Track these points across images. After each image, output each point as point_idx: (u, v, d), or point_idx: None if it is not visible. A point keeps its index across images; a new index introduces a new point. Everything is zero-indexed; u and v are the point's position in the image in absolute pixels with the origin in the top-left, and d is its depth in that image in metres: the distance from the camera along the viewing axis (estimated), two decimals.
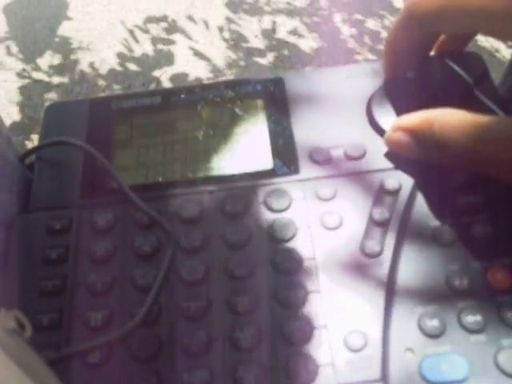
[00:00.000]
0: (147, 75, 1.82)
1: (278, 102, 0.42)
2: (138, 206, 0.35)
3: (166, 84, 1.79)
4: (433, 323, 0.31)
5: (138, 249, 0.35)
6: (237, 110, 0.42)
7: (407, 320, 0.32)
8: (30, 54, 1.93)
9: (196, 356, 0.32)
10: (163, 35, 1.96)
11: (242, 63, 1.85)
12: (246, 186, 0.38)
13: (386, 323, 0.32)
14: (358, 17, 1.98)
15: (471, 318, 0.31)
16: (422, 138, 0.34)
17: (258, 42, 1.92)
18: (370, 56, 1.84)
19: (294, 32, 1.95)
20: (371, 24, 1.97)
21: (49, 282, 0.34)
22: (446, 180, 0.36)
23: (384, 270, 0.34)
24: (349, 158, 0.38)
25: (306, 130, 0.40)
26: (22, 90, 1.81)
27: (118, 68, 1.85)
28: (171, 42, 1.92)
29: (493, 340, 0.31)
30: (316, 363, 0.31)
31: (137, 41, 1.94)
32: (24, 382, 0.22)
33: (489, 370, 0.30)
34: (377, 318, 0.32)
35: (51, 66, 1.89)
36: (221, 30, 1.99)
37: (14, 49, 1.95)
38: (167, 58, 1.86)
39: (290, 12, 2.03)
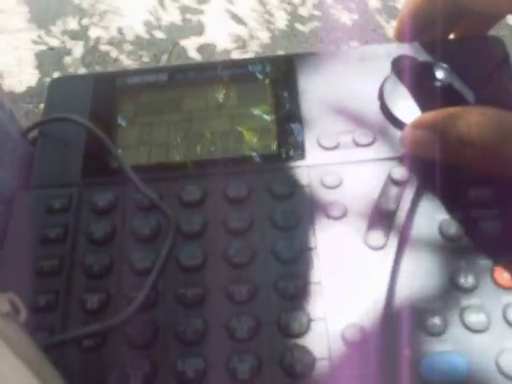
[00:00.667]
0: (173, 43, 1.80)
1: (286, 83, 0.40)
2: (139, 188, 0.34)
3: (193, 54, 1.76)
4: (434, 321, 0.30)
5: (138, 231, 0.34)
6: (244, 90, 0.40)
7: (408, 316, 0.31)
8: (42, 21, 1.90)
9: (191, 344, 0.31)
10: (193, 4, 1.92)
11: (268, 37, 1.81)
12: (249, 170, 0.36)
13: (385, 318, 0.31)
14: None
15: (474, 318, 0.30)
16: (445, 135, 0.32)
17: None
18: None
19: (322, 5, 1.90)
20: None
21: (46, 262, 0.34)
22: (456, 172, 0.35)
23: (387, 263, 0.32)
24: (357, 144, 0.37)
25: (315, 114, 0.38)
26: (37, 56, 1.78)
27: (145, 35, 1.82)
28: (200, 12, 1.88)
29: (496, 341, 0.30)
30: (313, 356, 0.30)
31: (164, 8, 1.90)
32: (17, 365, 0.22)
33: (489, 371, 0.29)
34: (377, 312, 0.31)
35: (65, 32, 1.86)
36: None
37: (27, 15, 1.92)
38: (195, 27, 1.82)
39: None
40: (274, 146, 0.37)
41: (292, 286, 0.32)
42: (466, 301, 0.31)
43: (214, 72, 0.41)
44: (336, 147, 0.37)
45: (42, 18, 1.92)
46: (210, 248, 0.34)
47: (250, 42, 1.77)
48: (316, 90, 0.40)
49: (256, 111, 0.39)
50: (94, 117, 0.39)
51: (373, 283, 0.32)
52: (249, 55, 1.71)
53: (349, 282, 0.32)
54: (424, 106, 0.37)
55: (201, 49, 1.76)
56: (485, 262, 0.32)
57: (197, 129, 0.39)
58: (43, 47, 1.82)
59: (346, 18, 1.83)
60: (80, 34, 1.86)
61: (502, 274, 0.31)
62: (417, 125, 0.34)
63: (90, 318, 0.32)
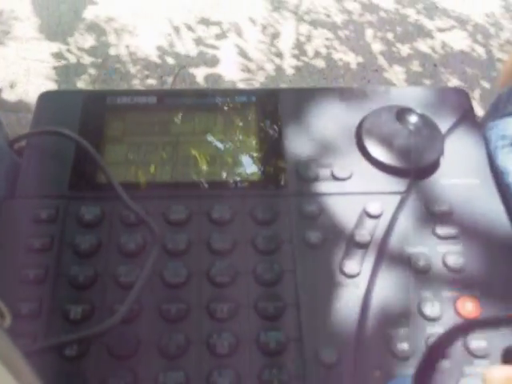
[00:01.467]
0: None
1: (271, 115, 0.41)
2: (126, 204, 0.34)
3: (200, 80, 1.76)
4: (402, 346, 0.32)
5: (123, 246, 0.34)
6: (230, 119, 0.41)
7: (378, 340, 0.32)
8: (52, 35, 1.88)
9: (172, 358, 0.31)
10: (207, 36, 1.94)
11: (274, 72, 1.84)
12: (233, 195, 0.37)
13: (357, 341, 0.32)
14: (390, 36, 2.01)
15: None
16: None
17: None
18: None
19: (328, 45, 1.95)
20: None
21: (31, 271, 0.33)
22: (425, 209, 0.37)
23: (360, 290, 0.34)
24: (335, 178, 0.38)
25: (296, 146, 0.40)
26: (45, 68, 1.75)
27: (156, 59, 1.83)
28: (215, 46, 1.90)
29: (456, 367, 0.31)
30: (289, 374, 0.31)
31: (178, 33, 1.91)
32: (0, 371, 0.22)
33: None
34: (350, 335, 0.32)
35: (76, 45, 1.83)
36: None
37: (37, 29, 1.89)
38: (208, 59, 1.84)
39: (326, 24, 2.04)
40: (258, 174, 0.38)
41: (271, 307, 0.33)
42: (431, 329, 0.32)
43: (202, 99, 0.42)
44: (315, 179, 0.38)
45: (53, 31, 1.89)
46: (193, 266, 0.34)
47: (256, 73, 1.80)
48: (298, 123, 0.41)
49: (241, 139, 0.40)
50: (83, 132, 0.39)
51: (347, 308, 0.33)
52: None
53: (325, 306, 0.33)
54: (396, 147, 0.39)
55: (208, 77, 1.78)
56: (449, 294, 0.34)
57: (184, 152, 0.39)
58: (53, 59, 1.79)
59: (350, 58, 1.89)
60: (90, 50, 1.84)
61: (464, 305, 0.33)
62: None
63: (73, 328, 0.32)
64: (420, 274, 0.34)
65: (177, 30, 1.93)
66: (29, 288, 0.33)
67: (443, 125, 0.41)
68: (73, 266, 0.34)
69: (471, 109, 0.42)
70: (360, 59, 1.86)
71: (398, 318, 0.33)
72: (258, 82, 1.77)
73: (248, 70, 1.81)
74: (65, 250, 0.34)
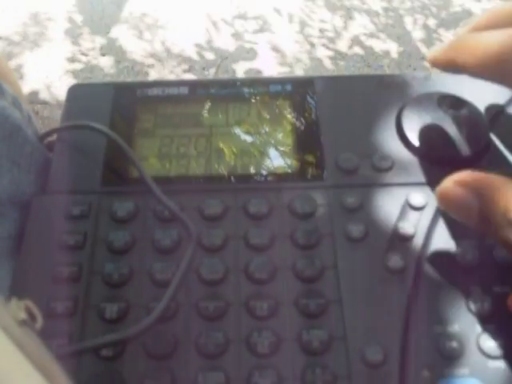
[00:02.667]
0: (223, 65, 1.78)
1: (307, 105, 0.39)
2: (160, 200, 0.33)
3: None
4: (451, 344, 0.29)
5: (158, 243, 0.33)
6: (264, 109, 0.39)
7: (426, 339, 0.30)
8: (95, 28, 1.86)
9: (211, 357, 0.29)
10: (245, 31, 1.91)
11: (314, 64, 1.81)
12: (270, 188, 0.35)
13: (404, 340, 0.29)
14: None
15: (490, 343, 0.29)
16: (490, 206, 0.26)
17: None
18: None
19: (366, 34, 1.90)
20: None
21: (64, 269, 0.32)
22: None
23: (406, 285, 0.31)
24: (376, 168, 0.36)
25: (335, 136, 0.37)
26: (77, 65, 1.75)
27: (194, 56, 1.81)
28: (253, 41, 1.88)
29: (511, 368, 0.29)
30: (333, 374, 0.28)
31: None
32: (32, 374, 0.20)
33: None
34: (396, 334, 0.30)
35: (109, 41, 1.83)
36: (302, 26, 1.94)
37: (80, 22, 1.87)
38: (246, 53, 1.82)
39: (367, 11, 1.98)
40: (295, 166, 0.36)
41: (313, 304, 0.30)
42: (482, 326, 0.30)
43: (235, 89, 0.40)
44: (355, 170, 0.36)
45: (96, 24, 1.89)
46: (230, 262, 0.32)
47: (294, 66, 1.77)
48: (336, 112, 0.39)
49: (277, 130, 0.38)
50: (114, 125, 0.37)
51: (392, 304, 0.31)
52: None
53: (369, 303, 0.31)
54: (439, 135, 0.36)
55: (247, 72, 1.75)
56: (500, 289, 0.31)
57: (217, 144, 0.37)
58: (84, 56, 1.79)
59: (391, 46, 1.83)
60: (117, 47, 1.83)
61: None
62: (459, 182, 0.28)
63: (109, 327, 0.30)
64: (468, 267, 0.32)
65: (215, 24, 1.90)
66: (63, 286, 0.31)
67: (488, 112, 0.38)
68: (107, 264, 0.32)
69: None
70: (401, 48, 1.81)
71: (446, 314, 0.30)
72: (297, 74, 1.73)
73: (286, 64, 1.77)
74: (98, 246, 0.33)
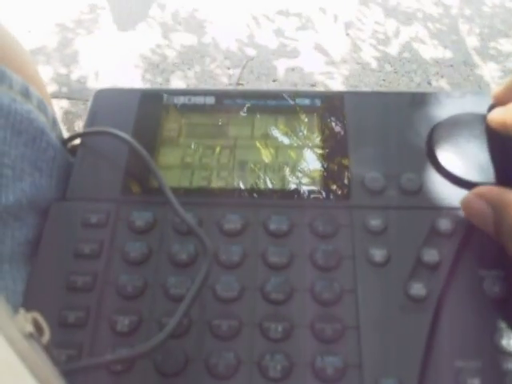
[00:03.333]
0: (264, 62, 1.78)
1: (335, 120, 0.38)
2: (177, 213, 0.32)
3: (283, 76, 1.74)
4: (473, 382, 0.27)
5: (174, 256, 0.32)
6: (291, 123, 0.38)
7: (446, 373, 0.28)
8: (122, 25, 1.88)
9: (221, 378, 0.28)
10: (287, 28, 1.90)
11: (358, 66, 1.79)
12: (292, 205, 0.34)
13: (422, 373, 0.28)
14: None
15: None
16: (502, 221, 0.30)
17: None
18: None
19: (416, 39, 1.87)
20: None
21: (79, 278, 0.31)
22: None
23: (427, 315, 0.30)
24: (403, 191, 0.34)
25: (362, 155, 0.36)
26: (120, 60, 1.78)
27: (235, 50, 1.81)
28: (294, 39, 1.87)
29: None
30: None
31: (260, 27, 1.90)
32: None
33: None
34: (414, 365, 0.28)
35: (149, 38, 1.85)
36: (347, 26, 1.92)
37: (109, 18, 1.90)
38: (288, 50, 1.81)
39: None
40: (319, 183, 0.35)
41: (329, 329, 0.29)
42: (507, 364, 0.28)
43: (262, 101, 0.39)
44: (381, 191, 0.34)
45: (124, 21, 1.91)
46: (247, 281, 0.31)
47: (339, 66, 1.75)
48: (365, 129, 0.37)
49: (302, 145, 0.37)
50: (137, 133, 0.37)
51: (412, 334, 0.29)
52: (334, 82, 1.70)
53: (387, 331, 0.30)
54: (471, 158, 0.35)
55: (288, 70, 1.74)
56: None
57: (241, 157, 0.36)
58: (129, 52, 1.81)
59: (441, 52, 1.81)
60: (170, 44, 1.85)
61: None
62: (480, 195, 0.31)
63: (119, 340, 0.29)
64: (495, 300, 0.30)
65: (256, 20, 1.89)
66: (76, 296, 0.31)
67: None
68: (121, 275, 0.31)
69: None
70: (451, 54, 1.78)
71: (469, 349, 0.29)
72: (340, 74, 1.71)
73: (331, 63, 1.75)
74: (114, 256, 0.32)
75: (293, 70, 1.73)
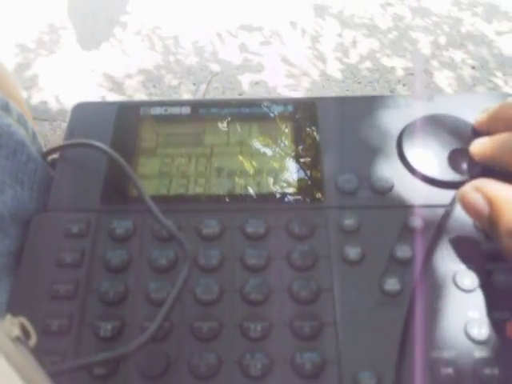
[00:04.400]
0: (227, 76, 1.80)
1: (308, 125, 0.39)
2: (157, 218, 0.33)
3: (248, 89, 1.76)
4: (447, 371, 0.29)
5: (155, 262, 0.33)
6: (266, 130, 0.39)
7: (421, 364, 0.29)
8: (86, 44, 1.89)
9: (204, 378, 0.29)
10: (251, 43, 1.93)
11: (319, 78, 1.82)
12: (268, 208, 0.35)
13: (399, 365, 0.29)
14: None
15: (488, 371, 0.29)
16: (497, 219, 0.29)
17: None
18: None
19: (374, 50, 1.91)
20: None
21: (61, 286, 0.32)
22: (472, 223, 0.34)
23: (402, 309, 0.31)
24: (375, 191, 0.36)
25: (335, 157, 0.37)
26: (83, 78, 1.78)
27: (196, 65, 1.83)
28: (259, 54, 1.89)
29: None
30: None
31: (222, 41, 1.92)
32: None
33: None
34: (391, 358, 0.29)
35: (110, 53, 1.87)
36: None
37: (72, 38, 1.91)
38: (252, 66, 1.84)
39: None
40: (294, 186, 0.36)
41: (307, 326, 0.30)
42: (479, 353, 0.29)
43: (236, 109, 0.40)
44: (354, 192, 0.36)
45: (87, 40, 1.92)
46: (226, 283, 0.32)
47: (301, 79, 1.78)
48: (337, 133, 0.39)
49: (277, 151, 0.38)
50: (116, 144, 0.38)
51: (387, 329, 0.31)
52: (298, 94, 1.73)
53: (364, 326, 0.31)
54: (440, 157, 0.36)
55: (252, 83, 1.77)
56: (498, 316, 0.30)
57: (217, 164, 0.38)
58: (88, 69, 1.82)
59: (397, 62, 1.84)
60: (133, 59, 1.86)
61: None
62: (478, 188, 0.31)
63: (103, 346, 0.30)
64: (466, 293, 0.31)
65: (220, 36, 1.92)
66: (59, 304, 0.32)
67: None
68: (103, 282, 0.32)
69: None
70: (408, 64, 1.82)
71: (443, 340, 0.30)
72: (303, 87, 1.74)
73: (292, 76, 1.78)
74: (95, 264, 0.33)
75: (257, 83, 1.76)
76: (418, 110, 0.40)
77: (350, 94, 1.72)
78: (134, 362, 0.30)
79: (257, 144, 0.39)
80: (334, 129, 0.39)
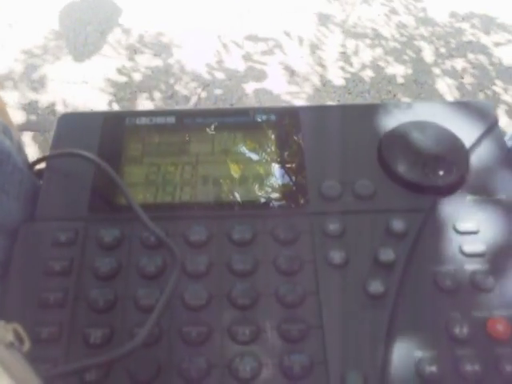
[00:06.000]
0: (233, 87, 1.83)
1: (291, 133, 0.41)
2: (147, 226, 0.34)
3: (251, 98, 1.78)
4: (431, 369, 0.30)
5: (143, 269, 0.34)
6: (249, 138, 0.41)
7: (406, 363, 0.31)
8: (79, 55, 1.91)
9: (194, 382, 0.30)
10: (256, 53, 1.97)
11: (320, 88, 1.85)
12: (254, 215, 0.36)
13: (385, 365, 0.30)
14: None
15: (470, 367, 0.30)
16: None
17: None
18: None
19: (376, 57, 1.95)
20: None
21: (50, 295, 0.33)
22: (451, 226, 0.36)
23: (386, 311, 0.32)
24: (358, 196, 0.37)
25: (318, 164, 0.39)
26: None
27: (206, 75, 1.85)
28: (263, 63, 1.93)
29: None
30: None
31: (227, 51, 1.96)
32: None
33: None
34: (376, 358, 0.31)
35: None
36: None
37: (64, 50, 1.93)
38: (256, 74, 1.87)
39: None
40: (279, 193, 0.38)
41: (294, 329, 0.32)
42: (461, 351, 0.31)
43: (220, 118, 0.42)
44: (338, 197, 0.37)
45: (79, 51, 1.94)
46: (214, 288, 0.33)
47: (303, 85, 1.82)
48: (319, 141, 0.40)
49: (262, 158, 0.39)
50: (102, 154, 0.39)
51: (372, 329, 0.32)
52: (300, 102, 1.76)
53: (350, 328, 0.32)
54: (419, 163, 0.38)
55: (257, 91, 1.80)
56: (479, 314, 0.32)
57: (203, 172, 0.39)
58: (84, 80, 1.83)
59: (400, 70, 1.90)
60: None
61: (495, 327, 0.32)
62: None
63: (93, 352, 0.31)
64: (447, 293, 0.33)
65: (225, 46, 1.96)
66: (48, 312, 0.32)
67: (468, 139, 0.39)
68: (92, 290, 0.33)
69: (496, 122, 0.41)
70: (410, 71, 1.87)
71: (426, 339, 0.31)
72: (306, 94, 1.78)
73: (295, 83, 1.82)
74: (84, 272, 0.34)
75: (260, 91, 1.79)
76: (398, 117, 0.41)
77: (350, 101, 1.76)
78: (124, 367, 0.30)
79: (241, 152, 0.40)
80: (317, 136, 0.40)
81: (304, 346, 0.31)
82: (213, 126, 0.41)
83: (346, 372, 0.30)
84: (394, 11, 2.20)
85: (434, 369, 0.30)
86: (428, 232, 0.35)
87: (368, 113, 0.42)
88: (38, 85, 1.77)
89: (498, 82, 1.86)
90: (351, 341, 0.32)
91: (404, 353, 0.31)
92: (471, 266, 0.34)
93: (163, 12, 2.10)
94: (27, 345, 0.24)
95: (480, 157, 0.39)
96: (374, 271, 0.34)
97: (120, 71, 1.84)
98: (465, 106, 0.42)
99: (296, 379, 0.30)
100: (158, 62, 1.89)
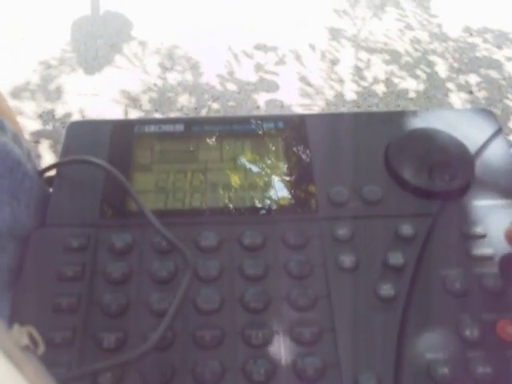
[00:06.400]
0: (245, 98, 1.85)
1: (299, 141, 0.41)
2: (158, 231, 0.34)
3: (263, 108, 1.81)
4: (443, 371, 0.30)
5: (155, 273, 0.34)
6: (258, 146, 0.41)
7: (418, 365, 0.31)
8: (89, 69, 1.94)
9: None
10: (267, 63, 2.00)
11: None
12: (264, 220, 0.37)
13: (397, 367, 0.31)
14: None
15: (481, 369, 0.30)
16: None
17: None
18: None
19: (388, 71, 1.99)
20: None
21: (63, 300, 0.33)
22: (459, 230, 0.36)
23: (397, 314, 0.33)
24: (366, 202, 0.38)
25: (326, 171, 0.39)
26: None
27: (218, 86, 1.88)
28: (274, 73, 1.96)
29: None
30: None
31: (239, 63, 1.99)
32: None
33: None
34: (389, 360, 0.31)
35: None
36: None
37: (75, 63, 1.95)
38: (267, 85, 1.90)
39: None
40: (288, 199, 0.38)
41: (307, 333, 0.32)
42: (471, 353, 0.31)
43: (229, 126, 0.42)
44: (346, 203, 0.38)
45: (90, 65, 1.96)
46: (226, 293, 0.34)
47: (315, 98, 1.84)
48: (327, 148, 0.41)
49: (270, 165, 0.40)
50: (111, 161, 0.39)
51: (384, 332, 0.32)
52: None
53: (361, 331, 0.32)
54: (425, 169, 0.39)
55: (268, 102, 1.82)
56: (489, 317, 0.32)
57: (213, 178, 0.39)
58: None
59: (412, 84, 1.93)
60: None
61: (504, 329, 0.32)
62: None
63: (106, 356, 0.31)
64: (456, 296, 0.33)
65: (236, 57, 2.00)
66: (62, 317, 0.33)
67: (472, 146, 0.40)
68: (105, 294, 0.33)
69: (499, 128, 0.42)
70: (422, 86, 1.90)
71: (437, 342, 0.32)
72: (319, 106, 1.81)
73: (307, 95, 1.84)
74: (97, 278, 0.34)
75: (272, 102, 1.81)
76: (404, 124, 0.42)
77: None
78: (138, 371, 0.30)
79: (250, 159, 0.40)
80: (325, 143, 0.41)
81: (317, 349, 0.32)
82: (221, 134, 0.42)
83: (359, 374, 0.30)
84: (408, 26, 2.24)
85: (445, 370, 0.30)
86: (436, 236, 0.36)
87: (375, 120, 0.43)
88: (55, 95, 1.79)
89: (510, 95, 1.90)
90: (363, 343, 0.32)
91: (416, 355, 0.31)
92: (480, 269, 0.34)
93: (175, 25, 2.14)
94: (42, 348, 0.24)
95: (485, 162, 0.40)
96: (384, 275, 0.34)
97: (135, 86, 1.85)
98: (469, 114, 0.43)
99: (310, 382, 0.30)
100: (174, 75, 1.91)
